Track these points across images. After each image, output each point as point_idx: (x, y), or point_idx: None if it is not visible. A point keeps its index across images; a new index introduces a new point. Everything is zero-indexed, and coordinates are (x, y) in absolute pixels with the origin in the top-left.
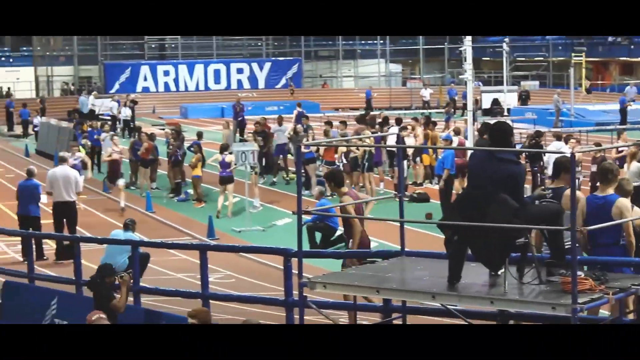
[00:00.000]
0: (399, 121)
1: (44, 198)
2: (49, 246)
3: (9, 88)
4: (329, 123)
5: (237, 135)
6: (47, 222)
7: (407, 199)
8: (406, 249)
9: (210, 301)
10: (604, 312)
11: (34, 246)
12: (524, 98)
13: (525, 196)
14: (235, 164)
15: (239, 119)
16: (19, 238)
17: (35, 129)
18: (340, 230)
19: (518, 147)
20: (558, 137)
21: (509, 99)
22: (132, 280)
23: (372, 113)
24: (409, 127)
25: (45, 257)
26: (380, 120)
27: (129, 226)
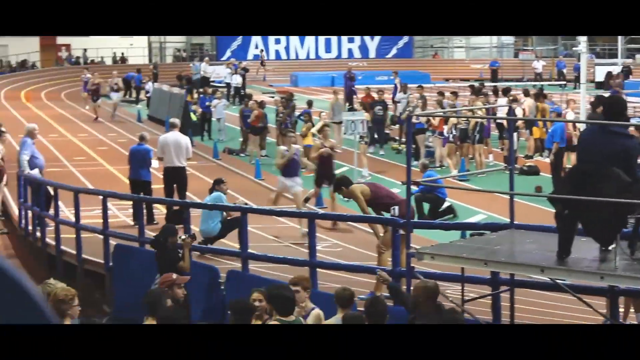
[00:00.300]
0: (506, 92)
1: (154, 163)
2: (159, 211)
3: (122, 53)
4: (441, 93)
5: (347, 104)
6: (157, 187)
7: (517, 172)
8: (515, 222)
9: (318, 269)
10: None
11: (144, 210)
12: (625, 72)
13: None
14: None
15: (349, 88)
16: (130, 202)
17: (148, 95)
18: (448, 202)
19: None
20: None
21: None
22: (193, 242)
23: (496, 85)
24: (519, 98)
25: (155, 222)
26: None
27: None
